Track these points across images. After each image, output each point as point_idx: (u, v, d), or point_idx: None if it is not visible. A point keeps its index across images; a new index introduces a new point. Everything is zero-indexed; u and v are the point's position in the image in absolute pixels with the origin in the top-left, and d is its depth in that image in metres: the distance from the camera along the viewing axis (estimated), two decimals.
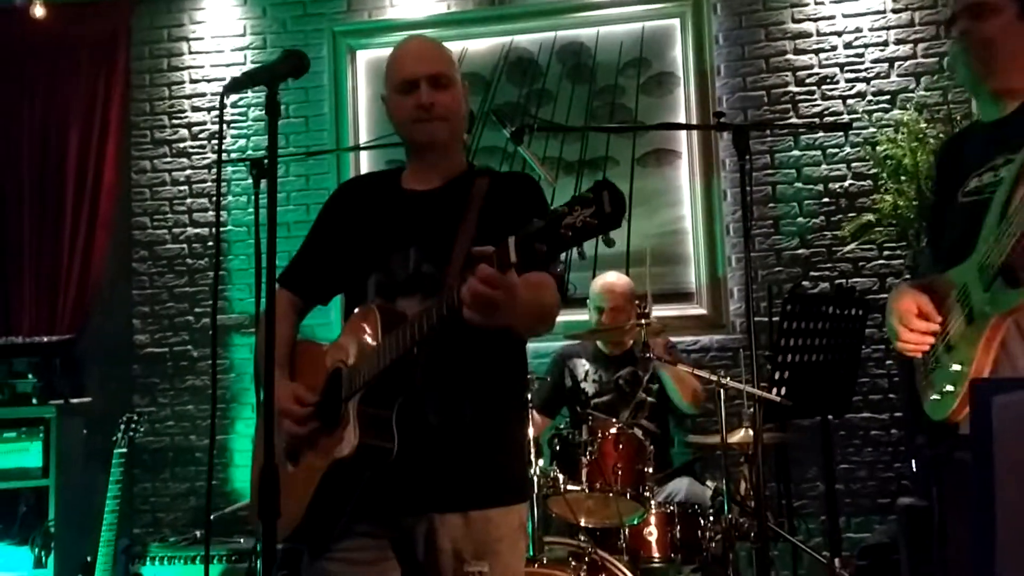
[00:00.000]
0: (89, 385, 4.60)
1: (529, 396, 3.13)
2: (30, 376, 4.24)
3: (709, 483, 3.56)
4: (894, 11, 4.33)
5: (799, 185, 4.37)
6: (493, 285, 1.46)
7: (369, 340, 1.76)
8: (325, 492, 1.78)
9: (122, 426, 3.89)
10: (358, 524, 1.82)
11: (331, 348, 1.91)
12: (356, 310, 1.86)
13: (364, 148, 4.70)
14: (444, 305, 1.58)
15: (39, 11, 4.50)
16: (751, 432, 3.20)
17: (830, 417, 3.38)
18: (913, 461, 3.84)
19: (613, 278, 3.82)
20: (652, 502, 3.11)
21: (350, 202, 2.04)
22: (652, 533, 3.11)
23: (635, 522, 3.07)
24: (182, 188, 4.95)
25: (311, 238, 2.08)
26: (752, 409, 3.31)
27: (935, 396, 1.82)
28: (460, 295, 1.51)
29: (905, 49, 4.30)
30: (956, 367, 1.77)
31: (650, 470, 3.15)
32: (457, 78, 1.92)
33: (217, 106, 4.87)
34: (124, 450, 3.84)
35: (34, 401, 4.21)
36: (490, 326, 1.53)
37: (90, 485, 4.15)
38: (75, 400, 4.31)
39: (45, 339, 4.52)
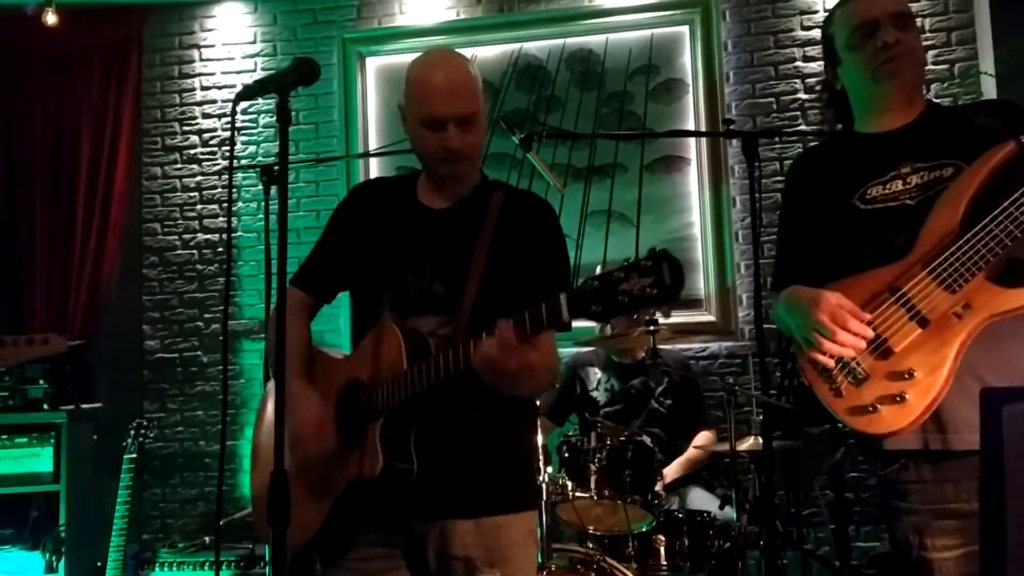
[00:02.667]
0: (99, 391, 4.62)
1: (537, 403, 3.15)
2: (41, 382, 4.27)
3: (718, 491, 3.55)
4: None
5: None
6: (508, 351, 1.53)
7: (392, 363, 1.75)
8: (343, 506, 1.79)
9: (132, 432, 3.90)
10: (368, 532, 1.83)
11: (345, 361, 1.92)
12: (374, 327, 1.84)
13: (374, 155, 4.71)
14: (472, 349, 1.62)
15: (51, 18, 4.53)
16: (760, 440, 3.20)
17: (839, 425, 3.37)
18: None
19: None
20: (661, 509, 3.10)
21: (365, 209, 2.02)
22: (661, 541, 3.10)
23: (644, 529, 3.06)
24: (192, 194, 4.97)
25: (325, 239, 2.07)
26: (761, 416, 3.31)
27: (873, 407, 1.70)
28: (482, 355, 1.57)
29: None
30: (918, 374, 1.68)
31: (658, 477, 3.14)
32: (482, 108, 1.88)
33: (227, 113, 4.90)
34: (134, 455, 3.86)
35: (45, 407, 4.24)
36: (492, 383, 1.62)
37: (100, 490, 4.16)
38: (86, 406, 4.34)
39: None
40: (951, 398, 1.68)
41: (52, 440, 4.15)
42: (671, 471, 3.47)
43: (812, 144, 2.10)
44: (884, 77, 1.82)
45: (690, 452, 3.60)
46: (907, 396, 1.67)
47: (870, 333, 1.71)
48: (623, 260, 1.46)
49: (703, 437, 3.68)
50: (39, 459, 4.15)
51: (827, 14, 1.92)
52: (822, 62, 4.24)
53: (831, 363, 1.74)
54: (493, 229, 1.85)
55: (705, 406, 3.89)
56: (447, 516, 1.80)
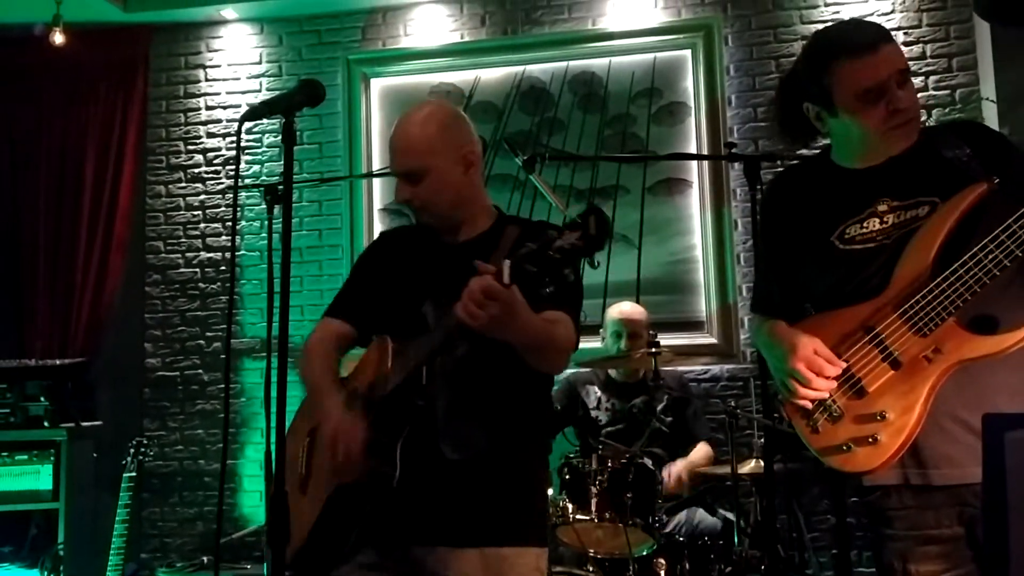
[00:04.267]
0: (100, 408, 4.61)
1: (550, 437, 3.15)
2: (42, 399, 4.26)
3: (720, 513, 3.53)
4: (905, 44, 4.34)
5: None
6: (487, 294, 1.54)
7: (380, 370, 1.82)
8: (328, 517, 1.79)
9: (131, 450, 3.90)
10: (363, 554, 1.81)
11: (349, 377, 1.99)
12: (372, 343, 1.93)
13: (377, 175, 4.73)
14: (443, 327, 1.65)
15: (59, 38, 4.57)
16: (761, 463, 3.19)
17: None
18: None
19: (629, 307, 3.84)
20: (662, 533, 3.09)
21: (390, 250, 2.11)
22: (662, 564, 3.08)
23: (645, 553, 3.05)
24: (196, 213, 4.99)
25: (356, 278, 2.13)
26: (762, 440, 3.30)
27: (847, 446, 1.71)
28: (456, 311, 1.58)
29: (916, 81, 4.30)
30: (890, 416, 1.69)
31: (660, 500, 3.13)
32: (433, 164, 1.90)
33: (232, 132, 4.93)
34: (133, 474, 3.85)
35: (46, 424, 4.23)
36: (489, 334, 1.61)
37: (99, 509, 4.15)
38: (86, 423, 4.33)
39: (57, 362, 4.54)
40: (929, 436, 1.69)
41: (52, 458, 4.14)
42: (677, 469, 3.45)
43: (789, 166, 2.09)
44: (893, 138, 1.81)
45: (694, 455, 3.59)
46: (879, 438, 1.69)
47: (838, 371, 1.73)
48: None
49: (702, 448, 3.66)
50: (39, 477, 4.14)
51: (813, 57, 1.86)
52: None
53: (809, 405, 1.77)
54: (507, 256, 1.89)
55: (703, 422, 3.87)
56: (450, 543, 1.77)
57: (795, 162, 2.08)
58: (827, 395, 1.74)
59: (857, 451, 1.71)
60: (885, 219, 1.79)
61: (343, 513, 1.78)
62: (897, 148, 1.82)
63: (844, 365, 1.73)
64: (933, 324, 1.68)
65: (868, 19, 4.37)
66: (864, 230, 1.80)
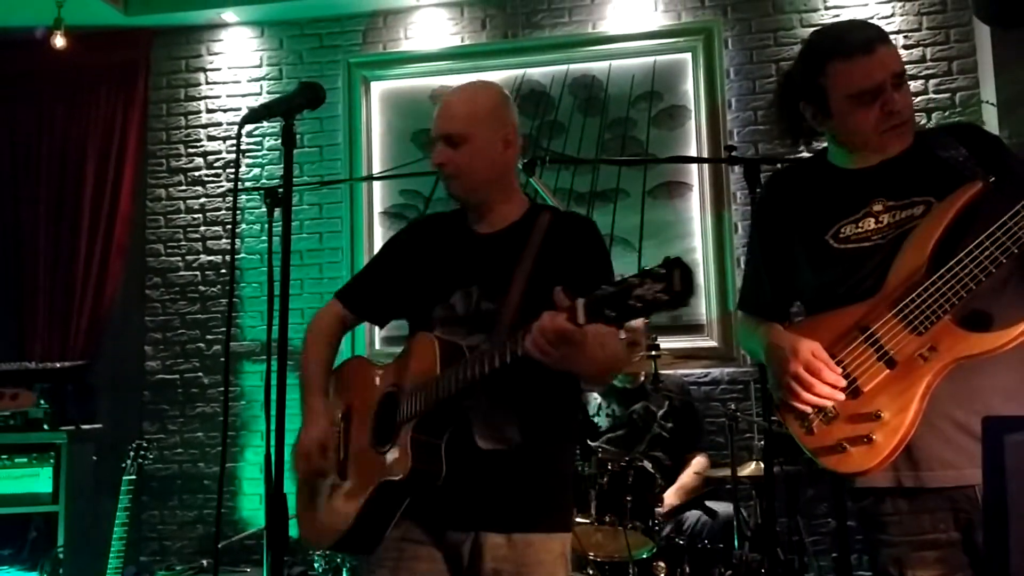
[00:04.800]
0: (100, 411, 4.61)
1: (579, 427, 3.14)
2: (42, 402, 4.26)
3: (719, 518, 3.53)
4: (905, 47, 4.35)
5: None
6: (555, 338, 1.56)
7: (426, 368, 1.83)
8: (373, 506, 1.86)
9: (131, 453, 3.89)
10: (413, 531, 1.89)
11: (385, 370, 2.02)
12: (414, 337, 1.95)
13: (377, 178, 4.74)
14: (507, 351, 1.66)
15: (60, 41, 4.57)
16: (761, 465, 3.19)
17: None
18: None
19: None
20: (661, 536, 3.09)
21: (420, 238, 2.12)
22: (661, 567, 3.08)
23: (644, 556, 3.04)
24: (196, 216, 5.00)
25: (376, 262, 2.18)
26: (762, 443, 3.30)
27: (845, 446, 1.71)
28: (525, 344, 1.60)
29: (917, 85, 4.31)
30: (885, 415, 1.68)
31: (659, 503, 3.13)
32: (475, 133, 1.95)
33: (233, 135, 4.93)
34: (133, 477, 3.84)
35: (45, 427, 4.23)
36: (556, 368, 1.64)
37: (99, 512, 4.15)
38: (86, 426, 4.33)
39: (57, 365, 4.54)
40: (922, 437, 1.69)
41: (52, 461, 4.14)
42: (669, 498, 3.45)
43: (786, 166, 2.09)
44: (888, 140, 1.81)
45: (686, 478, 3.59)
46: (875, 437, 1.68)
47: (843, 383, 1.72)
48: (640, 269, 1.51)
49: (698, 462, 3.66)
50: (38, 480, 4.14)
51: (810, 58, 1.87)
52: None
53: (808, 409, 1.76)
54: (538, 248, 1.92)
55: (703, 430, 3.88)
56: (481, 528, 1.84)
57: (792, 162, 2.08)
58: (826, 401, 1.73)
59: (852, 451, 1.70)
60: (880, 219, 1.79)
61: (388, 505, 1.85)
62: (891, 150, 1.82)
63: (838, 371, 1.72)
64: (929, 322, 1.67)
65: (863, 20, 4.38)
66: (859, 230, 1.80)
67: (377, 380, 2.01)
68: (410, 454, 1.78)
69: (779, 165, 4.32)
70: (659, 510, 3.13)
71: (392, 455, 1.84)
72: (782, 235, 1.92)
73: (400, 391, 1.90)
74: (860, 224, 1.81)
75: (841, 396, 1.71)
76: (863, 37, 1.78)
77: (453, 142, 1.94)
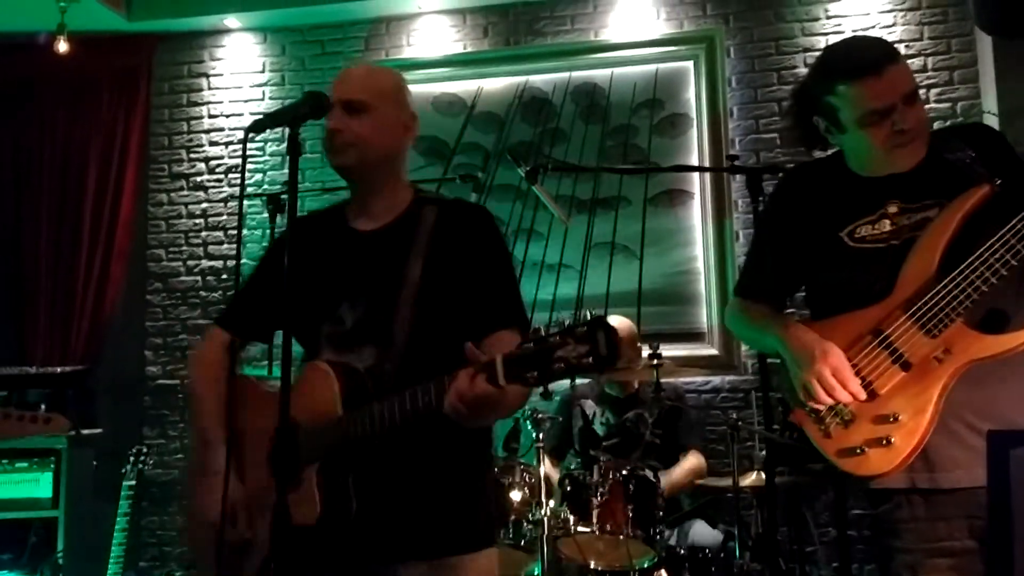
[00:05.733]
0: (100, 416, 4.60)
1: (541, 436, 3.14)
2: (43, 407, 4.25)
3: (720, 526, 3.53)
4: (906, 56, 4.35)
5: None
6: (475, 403, 1.49)
7: (327, 408, 1.71)
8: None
9: (131, 458, 3.89)
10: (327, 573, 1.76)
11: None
12: (311, 368, 1.79)
13: None
14: (420, 405, 1.58)
15: (63, 46, 4.58)
16: (763, 475, 3.18)
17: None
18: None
19: (616, 323, 3.80)
20: (663, 545, 3.08)
21: (299, 243, 1.89)
22: None
23: (646, 565, 3.04)
24: (198, 221, 5.00)
25: (256, 277, 2.06)
26: (764, 452, 3.30)
27: (860, 449, 1.73)
28: (444, 405, 1.53)
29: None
30: (902, 417, 1.70)
31: (661, 512, 3.12)
32: (378, 106, 1.85)
33: (235, 141, 4.94)
34: (133, 482, 3.84)
35: None
36: (466, 424, 1.57)
37: (99, 517, 4.14)
38: (86, 431, 4.32)
39: (58, 370, 4.54)
40: (936, 438, 1.70)
41: (52, 465, 4.14)
42: (671, 480, 3.44)
43: (804, 162, 2.10)
44: (897, 156, 1.83)
45: (675, 472, 3.56)
46: (893, 439, 1.70)
47: (863, 395, 1.74)
48: (558, 322, 1.45)
49: (687, 461, 3.62)
50: (38, 484, 4.13)
51: (820, 76, 1.88)
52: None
53: (823, 408, 1.78)
54: (426, 247, 1.82)
55: (696, 431, 3.82)
56: (400, 559, 1.74)
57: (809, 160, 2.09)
58: (850, 399, 1.74)
59: (870, 453, 1.72)
60: (896, 220, 1.81)
61: (298, 549, 1.69)
62: (903, 165, 1.84)
63: (857, 383, 1.74)
64: (942, 325, 1.69)
65: (875, 36, 4.39)
66: (875, 231, 1.83)
67: (269, 405, 1.69)
68: (319, 496, 1.67)
69: (780, 174, 4.34)
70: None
71: (298, 499, 1.65)
72: (794, 228, 1.94)
73: (299, 427, 1.69)
74: (876, 225, 1.83)
75: (863, 397, 1.73)
76: (872, 57, 1.79)
77: (353, 108, 1.84)
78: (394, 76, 1.96)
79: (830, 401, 1.75)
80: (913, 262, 1.75)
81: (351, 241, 1.89)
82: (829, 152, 2.00)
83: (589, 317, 1.41)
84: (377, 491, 1.72)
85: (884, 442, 1.70)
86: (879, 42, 1.91)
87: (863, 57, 1.81)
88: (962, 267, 1.68)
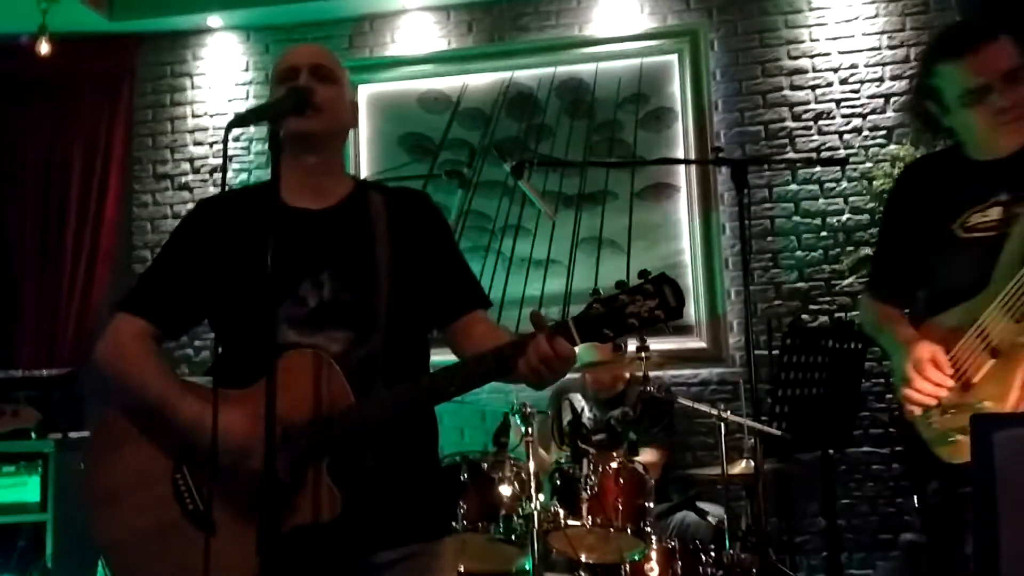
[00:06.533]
0: (88, 419, 4.58)
1: (532, 429, 3.13)
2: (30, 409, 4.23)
3: (710, 517, 3.53)
4: (889, 47, 4.38)
5: (797, 219, 4.40)
6: (560, 364, 1.54)
7: (334, 395, 1.62)
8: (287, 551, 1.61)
9: None
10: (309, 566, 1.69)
11: (250, 397, 1.62)
12: (294, 354, 1.65)
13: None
14: (481, 374, 1.60)
15: (44, 47, 4.54)
16: (752, 464, 3.19)
17: (831, 451, 3.37)
18: (915, 497, 3.81)
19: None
20: (653, 537, 3.09)
21: (220, 223, 1.80)
22: (653, 569, 3.08)
23: (636, 558, 3.04)
24: None
25: (170, 259, 1.83)
26: (753, 442, 3.31)
27: (958, 437, 1.78)
28: (519, 367, 1.56)
29: (900, 85, 4.34)
30: (988, 404, 1.75)
31: (651, 504, 3.13)
32: (342, 80, 1.83)
33: (219, 140, 4.92)
34: None
35: (33, 435, 4.20)
36: (528, 384, 1.61)
37: (87, 520, 4.11)
38: (74, 434, 4.29)
39: (45, 373, 4.51)
40: None
41: (40, 469, 4.11)
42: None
43: (923, 155, 2.15)
44: (1001, 135, 1.86)
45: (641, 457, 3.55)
46: None
47: (949, 383, 1.81)
48: (617, 284, 1.55)
49: (646, 454, 3.59)
50: (26, 488, 4.10)
51: (925, 59, 1.95)
52: (809, 91, 4.30)
53: (919, 412, 1.85)
54: (387, 231, 1.79)
55: (669, 429, 3.82)
56: (375, 549, 1.71)
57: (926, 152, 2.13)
58: (921, 399, 1.82)
59: (961, 440, 1.77)
60: (1009, 209, 1.83)
61: (297, 552, 1.63)
62: (1009, 145, 1.86)
63: (951, 372, 1.80)
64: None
65: (850, 24, 4.40)
66: (985, 219, 1.86)
67: (234, 410, 1.59)
68: (335, 490, 1.59)
69: (766, 166, 4.37)
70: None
71: (308, 496, 1.59)
72: (911, 222, 1.98)
73: (293, 423, 1.59)
74: (987, 213, 1.86)
75: (945, 392, 1.80)
76: (969, 37, 1.84)
77: (323, 76, 1.77)
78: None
79: (914, 395, 1.82)
80: (1009, 249, 1.78)
81: (300, 219, 1.76)
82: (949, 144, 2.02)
83: (650, 275, 1.54)
84: (352, 482, 1.66)
85: None
86: (981, 20, 1.96)
87: (961, 36, 1.86)
88: None
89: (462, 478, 3.09)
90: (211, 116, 5.01)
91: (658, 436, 3.73)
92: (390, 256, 1.76)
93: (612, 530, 2.99)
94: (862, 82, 4.39)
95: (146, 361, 1.75)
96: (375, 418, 1.63)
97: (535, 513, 2.93)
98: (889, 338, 1.98)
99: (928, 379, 1.81)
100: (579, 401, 3.78)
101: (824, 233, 4.36)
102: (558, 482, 3.15)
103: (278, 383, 1.47)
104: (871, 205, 4.25)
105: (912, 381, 1.83)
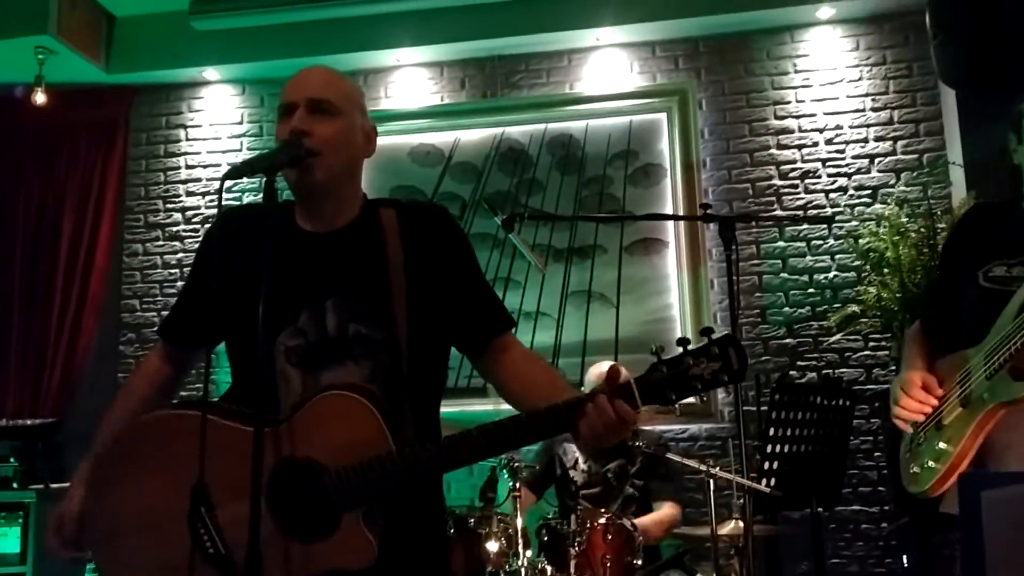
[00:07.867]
0: (70, 470, 4.50)
1: (518, 485, 3.11)
2: (12, 460, 4.17)
3: None
4: (873, 110, 4.47)
5: (785, 275, 4.44)
6: (621, 427, 1.51)
7: (369, 441, 1.51)
8: None
9: None
10: None
11: (274, 436, 1.56)
12: (327, 397, 1.55)
13: None
14: (526, 431, 1.58)
15: (40, 98, 4.59)
16: (741, 524, 3.17)
17: (820, 510, 3.35)
18: (904, 557, 3.79)
19: (605, 367, 3.80)
20: None
21: (238, 237, 1.74)
22: None
23: None
24: (173, 271, 4.98)
25: (193, 278, 1.85)
26: (742, 500, 3.29)
27: (915, 469, 1.93)
28: (579, 427, 1.53)
29: (885, 146, 4.42)
30: (942, 445, 1.86)
31: (639, 562, 3.10)
32: (348, 111, 1.70)
33: (212, 191, 4.94)
34: None
35: (15, 485, 4.14)
36: (583, 445, 1.63)
37: (68, 573, 4.04)
38: (55, 485, 4.23)
39: (28, 422, 4.46)
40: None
41: (20, 520, 4.05)
42: (641, 526, 3.39)
43: (983, 201, 2.21)
44: None
45: (660, 513, 3.51)
46: (934, 465, 1.88)
47: (927, 409, 1.93)
48: (681, 344, 1.53)
49: (659, 511, 3.57)
50: (6, 539, 4.03)
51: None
52: (795, 150, 4.32)
53: (908, 428, 1.98)
54: (402, 250, 1.68)
55: (671, 479, 3.79)
56: None
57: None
58: (908, 416, 1.94)
59: (920, 474, 1.92)
60: None
61: None
62: None
63: (939, 394, 1.92)
64: (993, 368, 1.78)
65: (835, 86, 4.49)
66: (1009, 274, 1.89)
67: (239, 445, 1.51)
68: (373, 540, 1.51)
69: (753, 223, 4.42)
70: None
71: (340, 543, 1.52)
72: (956, 267, 2.04)
73: (324, 469, 1.52)
74: (1011, 269, 1.89)
75: (929, 410, 1.92)
76: None
77: (323, 110, 1.65)
78: (354, 82, 1.83)
79: (904, 413, 1.95)
80: (1009, 308, 1.80)
81: (304, 241, 1.70)
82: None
83: (713, 336, 1.51)
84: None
85: (927, 465, 1.89)
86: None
87: None
88: (1021, 315, 1.75)
89: (448, 533, 3.05)
90: (204, 167, 5.05)
91: (666, 488, 3.69)
92: (405, 282, 1.66)
93: None
94: (847, 142, 4.47)
95: (126, 401, 1.89)
96: (425, 467, 1.54)
97: (522, 570, 2.90)
98: (903, 364, 2.11)
99: (913, 398, 1.93)
100: (572, 452, 3.75)
101: (811, 289, 4.40)
102: (546, 538, 3.12)
103: (315, 425, 1.53)
104: (857, 263, 4.29)
105: (899, 399, 1.95)
